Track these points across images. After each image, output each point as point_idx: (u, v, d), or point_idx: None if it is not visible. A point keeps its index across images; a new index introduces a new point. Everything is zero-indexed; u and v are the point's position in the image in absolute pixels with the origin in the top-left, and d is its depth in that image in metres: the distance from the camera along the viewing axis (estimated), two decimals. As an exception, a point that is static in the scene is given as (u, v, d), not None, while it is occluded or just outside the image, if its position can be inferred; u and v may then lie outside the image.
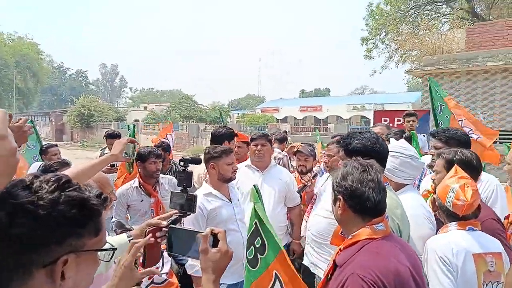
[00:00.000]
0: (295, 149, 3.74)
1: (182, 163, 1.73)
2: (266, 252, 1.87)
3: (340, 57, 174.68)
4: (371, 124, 29.21)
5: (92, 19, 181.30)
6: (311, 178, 3.08)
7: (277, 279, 1.85)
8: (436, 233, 1.99)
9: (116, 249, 1.01)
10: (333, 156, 2.84)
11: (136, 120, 29.70)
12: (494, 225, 1.98)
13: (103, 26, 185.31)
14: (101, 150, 5.65)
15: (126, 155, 1.94)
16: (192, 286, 3.05)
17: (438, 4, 21.39)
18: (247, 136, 4.33)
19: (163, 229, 1.44)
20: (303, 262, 2.91)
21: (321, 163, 3.54)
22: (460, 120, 4.03)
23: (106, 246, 0.92)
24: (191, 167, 1.75)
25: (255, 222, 1.93)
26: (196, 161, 1.92)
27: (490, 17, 17.66)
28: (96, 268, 0.91)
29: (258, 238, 1.91)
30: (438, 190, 1.93)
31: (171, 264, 2.69)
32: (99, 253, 0.89)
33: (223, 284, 2.62)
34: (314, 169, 3.36)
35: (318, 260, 2.73)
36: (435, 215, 2.07)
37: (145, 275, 1.32)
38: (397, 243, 1.46)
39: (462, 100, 11.62)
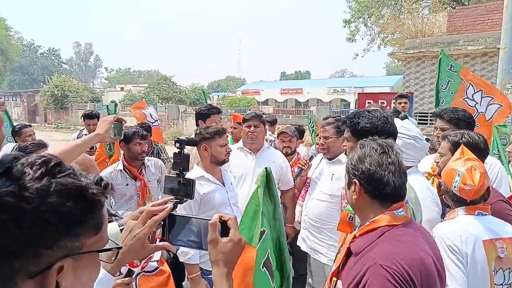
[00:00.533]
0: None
1: (177, 145, 1.56)
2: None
3: (321, 39, 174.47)
4: (351, 107, 29.59)
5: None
6: (308, 160, 2.96)
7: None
8: (443, 218, 1.92)
9: (121, 247, 0.84)
10: (330, 137, 2.73)
11: (113, 101, 28.75)
12: (503, 205, 1.93)
13: (76, 2, 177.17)
14: (79, 131, 5.36)
15: (112, 135, 1.75)
16: (183, 273, 2.94)
17: (419, -13, 21.41)
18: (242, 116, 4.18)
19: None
20: (301, 248, 2.83)
21: (313, 145, 3.44)
22: (479, 90, 3.91)
23: (108, 244, 0.75)
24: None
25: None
26: (193, 142, 1.76)
27: (470, 2, 17.83)
28: (97, 272, 0.75)
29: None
30: (443, 174, 1.85)
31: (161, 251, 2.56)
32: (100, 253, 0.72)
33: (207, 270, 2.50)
34: (310, 151, 3.26)
35: (318, 245, 2.66)
36: (441, 199, 2.00)
37: (155, 250, 1.12)
38: (419, 230, 1.36)
39: (442, 83, 11.78)
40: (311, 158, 3.04)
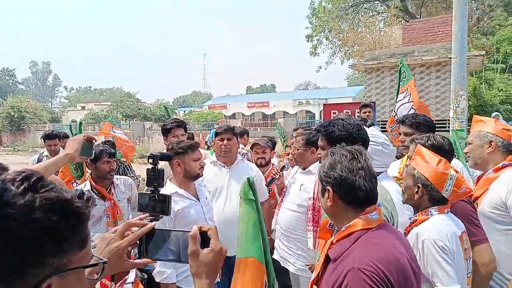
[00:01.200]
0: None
1: (151, 160, 1.52)
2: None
3: (284, 53, 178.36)
4: (316, 119, 30.31)
5: (21, 13, 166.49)
6: (279, 170, 2.98)
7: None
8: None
9: (106, 262, 0.80)
10: (298, 149, 2.77)
11: (74, 121, 27.76)
12: (467, 207, 2.02)
13: (33, 20, 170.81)
14: (39, 154, 5.09)
15: (83, 154, 1.68)
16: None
17: (374, 2, 22.57)
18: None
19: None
20: (273, 256, 2.82)
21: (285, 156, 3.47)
22: (410, 102, 4.20)
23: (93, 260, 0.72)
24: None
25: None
26: (167, 157, 1.71)
27: (422, 15, 18.99)
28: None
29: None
30: (431, 177, 1.83)
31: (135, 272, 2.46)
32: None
33: None
34: (284, 161, 3.28)
35: (287, 255, 2.67)
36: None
37: (134, 267, 1.07)
38: (393, 232, 1.40)
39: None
40: (283, 168, 3.07)
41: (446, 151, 2.13)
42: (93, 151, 1.77)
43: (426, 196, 1.82)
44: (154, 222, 1.10)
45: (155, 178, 1.47)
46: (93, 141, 1.75)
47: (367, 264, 1.21)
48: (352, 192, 1.34)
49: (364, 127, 2.44)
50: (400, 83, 4.63)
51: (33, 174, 0.63)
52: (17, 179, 0.60)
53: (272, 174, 3.05)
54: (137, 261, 1.07)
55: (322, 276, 1.42)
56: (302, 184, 2.72)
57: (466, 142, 2.47)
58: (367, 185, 1.35)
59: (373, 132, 2.34)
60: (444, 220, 1.79)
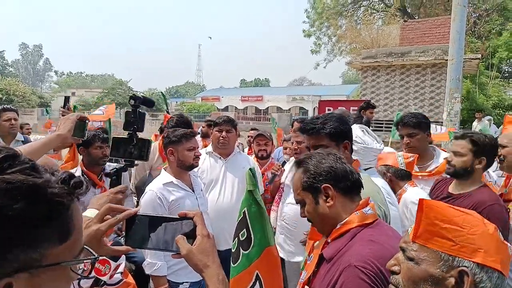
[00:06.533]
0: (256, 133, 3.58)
1: (132, 102, 1.40)
2: (250, 248, 1.65)
3: (280, 47, 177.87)
4: (309, 115, 30.34)
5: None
6: (280, 166, 2.91)
7: (257, 281, 1.64)
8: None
9: (97, 258, 0.70)
10: (303, 142, 2.70)
11: (70, 108, 27.26)
12: (502, 211, 1.99)
13: (26, 2, 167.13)
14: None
15: (75, 135, 1.56)
16: (147, 285, 2.76)
17: (373, 0, 22.55)
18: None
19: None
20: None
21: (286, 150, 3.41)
22: None
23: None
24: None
25: (244, 211, 1.69)
26: (149, 102, 1.53)
27: (420, 16, 19.02)
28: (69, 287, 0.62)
29: (244, 230, 1.67)
30: (388, 162, 2.39)
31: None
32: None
33: (186, 282, 2.38)
34: (284, 156, 3.22)
35: (294, 248, 2.62)
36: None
37: (114, 254, 1.01)
38: (388, 229, 1.38)
39: (396, 92, 12.37)
40: (284, 163, 3.00)
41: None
42: (86, 132, 1.65)
43: (396, 177, 2.39)
44: (137, 208, 1.01)
45: (135, 121, 1.36)
46: (87, 121, 1.64)
47: (364, 261, 1.17)
48: (348, 177, 1.34)
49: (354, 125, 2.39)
50: None
51: (2, 150, 0.54)
52: None
53: (273, 171, 2.97)
54: (116, 247, 1.00)
55: (315, 277, 1.36)
56: None
57: (499, 144, 2.37)
58: (352, 169, 1.38)
59: (355, 132, 2.29)
60: (417, 191, 2.31)
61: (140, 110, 1.31)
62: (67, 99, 2.39)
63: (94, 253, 0.70)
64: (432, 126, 3.88)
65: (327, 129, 1.76)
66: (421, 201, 0.91)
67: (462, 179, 2.13)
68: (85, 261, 0.67)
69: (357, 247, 1.24)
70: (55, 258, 0.56)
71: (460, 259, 0.81)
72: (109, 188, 1.29)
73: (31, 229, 0.53)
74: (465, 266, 0.81)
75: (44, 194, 0.54)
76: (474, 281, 0.80)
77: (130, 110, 1.32)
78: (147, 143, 1.23)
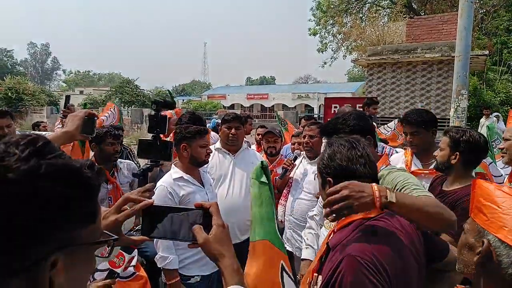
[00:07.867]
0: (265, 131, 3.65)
1: (154, 106, 1.48)
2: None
3: (285, 45, 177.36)
4: (315, 113, 30.24)
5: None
6: (292, 161, 2.97)
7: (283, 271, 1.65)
8: None
9: (117, 238, 0.75)
10: (316, 136, 2.76)
11: (72, 105, 27.48)
12: None
13: (34, 2, 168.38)
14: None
15: (84, 132, 1.56)
16: (157, 278, 2.84)
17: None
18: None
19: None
20: (286, 249, 2.83)
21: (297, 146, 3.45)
22: None
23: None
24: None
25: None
26: (169, 105, 1.62)
27: (426, 13, 18.88)
28: (92, 268, 0.67)
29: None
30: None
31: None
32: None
33: (197, 275, 2.45)
34: (295, 152, 3.27)
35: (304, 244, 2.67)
36: None
37: (129, 243, 1.03)
38: (396, 221, 1.36)
39: (402, 89, 12.33)
40: (295, 158, 3.06)
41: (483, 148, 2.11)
42: (95, 129, 1.66)
43: None
44: (152, 199, 1.06)
45: (157, 124, 1.44)
46: (95, 117, 1.64)
47: (363, 252, 1.19)
48: (355, 174, 1.32)
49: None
50: None
51: (39, 138, 0.57)
52: (21, 143, 0.54)
53: (285, 166, 3.02)
54: (133, 237, 1.04)
55: (323, 265, 1.41)
56: (315, 173, 2.73)
57: (502, 137, 2.42)
58: (367, 172, 1.34)
59: None
60: None
61: (161, 114, 1.39)
62: (67, 98, 2.39)
63: (113, 235, 0.74)
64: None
65: (348, 128, 1.79)
66: (474, 181, 1.03)
67: (447, 174, 2.17)
68: (109, 241, 0.72)
69: (359, 238, 1.26)
70: (86, 238, 0.60)
71: (488, 232, 0.94)
72: (138, 187, 1.36)
73: (70, 210, 0.56)
74: (489, 239, 0.93)
75: (81, 177, 0.58)
76: (496, 253, 0.92)
77: (153, 114, 1.41)
78: (169, 144, 1.31)
